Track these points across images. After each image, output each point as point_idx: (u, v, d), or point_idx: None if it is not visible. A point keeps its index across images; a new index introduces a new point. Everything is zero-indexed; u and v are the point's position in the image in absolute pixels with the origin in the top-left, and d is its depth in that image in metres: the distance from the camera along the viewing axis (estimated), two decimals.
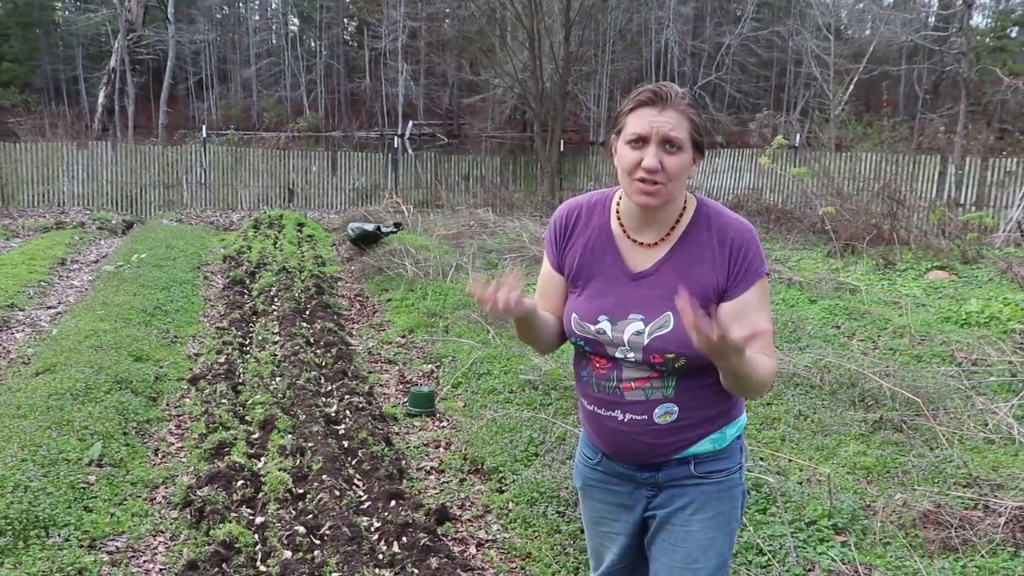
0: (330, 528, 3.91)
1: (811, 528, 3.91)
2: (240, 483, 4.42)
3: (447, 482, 4.79)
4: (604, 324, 2.06)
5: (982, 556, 3.65)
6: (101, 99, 26.96)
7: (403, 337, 7.86)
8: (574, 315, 2.12)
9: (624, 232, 2.11)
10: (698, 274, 2.02)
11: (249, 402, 5.74)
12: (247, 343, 7.35)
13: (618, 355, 2.06)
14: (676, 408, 2.06)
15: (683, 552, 2.11)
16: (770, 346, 2.05)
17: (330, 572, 3.62)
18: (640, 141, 1.96)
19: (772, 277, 9.79)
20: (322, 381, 6.32)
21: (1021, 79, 17.81)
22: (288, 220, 14.89)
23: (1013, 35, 27.21)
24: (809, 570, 3.58)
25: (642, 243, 2.08)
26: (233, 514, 4.10)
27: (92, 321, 7.27)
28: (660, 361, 2.01)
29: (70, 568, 3.54)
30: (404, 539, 3.83)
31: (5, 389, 5.68)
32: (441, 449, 5.27)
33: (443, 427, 5.65)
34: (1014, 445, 4.92)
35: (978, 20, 31.25)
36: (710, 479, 2.11)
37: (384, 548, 3.84)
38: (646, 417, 2.06)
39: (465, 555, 3.94)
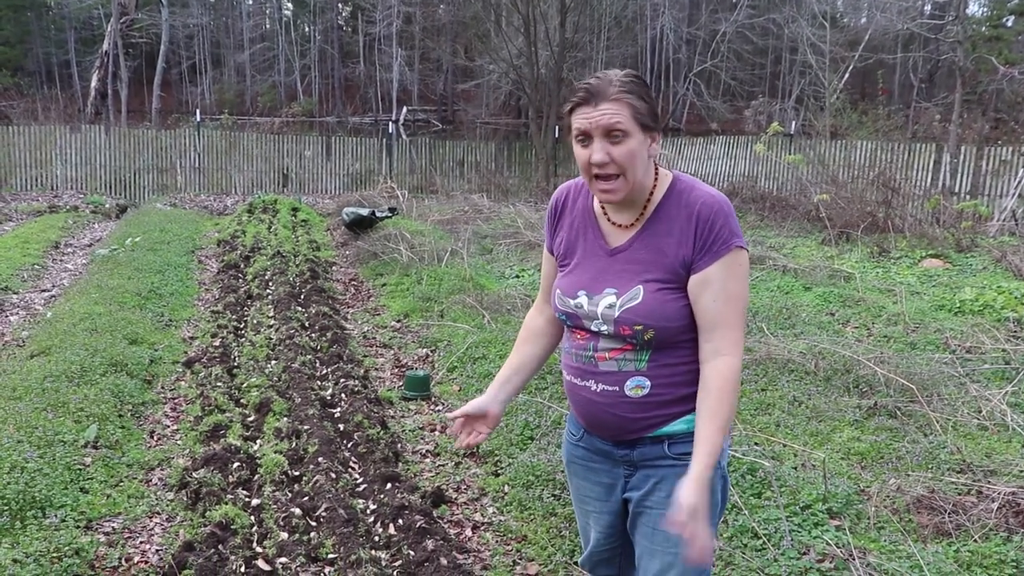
0: (326, 510, 3.92)
1: (806, 512, 3.93)
2: (236, 465, 4.42)
3: (443, 465, 4.79)
4: (582, 298, 2.11)
5: (975, 541, 3.67)
6: (94, 83, 26.83)
7: (398, 321, 7.86)
8: (557, 291, 2.19)
9: (604, 213, 2.16)
10: (666, 248, 2.03)
11: (244, 385, 5.74)
12: (242, 327, 7.34)
13: (593, 328, 2.10)
14: (648, 382, 2.07)
15: (662, 535, 2.11)
16: (734, 331, 2.01)
17: (326, 554, 3.63)
18: (585, 138, 2.01)
19: (767, 264, 9.79)
20: (317, 365, 6.32)
21: (1017, 68, 17.83)
22: (282, 205, 14.85)
23: (1009, 24, 27.17)
24: (804, 554, 3.60)
25: (619, 224, 2.12)
26: (229, 496, 4.10)
27: (86, 304, 7.25)
28: (630, 333, 2.04)
29: (67, 548, 3.54)
30: (400, 521, 3.84)
31: (0, 371, 5.67)
32: (437, 432, 5.28)
33: (439, 411, 5.65)
34: (1007, 432, 4.94)
35: (974, 9, 31.20)
36: (685, 461, 2.07)
37: (380, 530, 3.85)
38: (617, 388, 2.09)
39: (461, 538, 3.95)
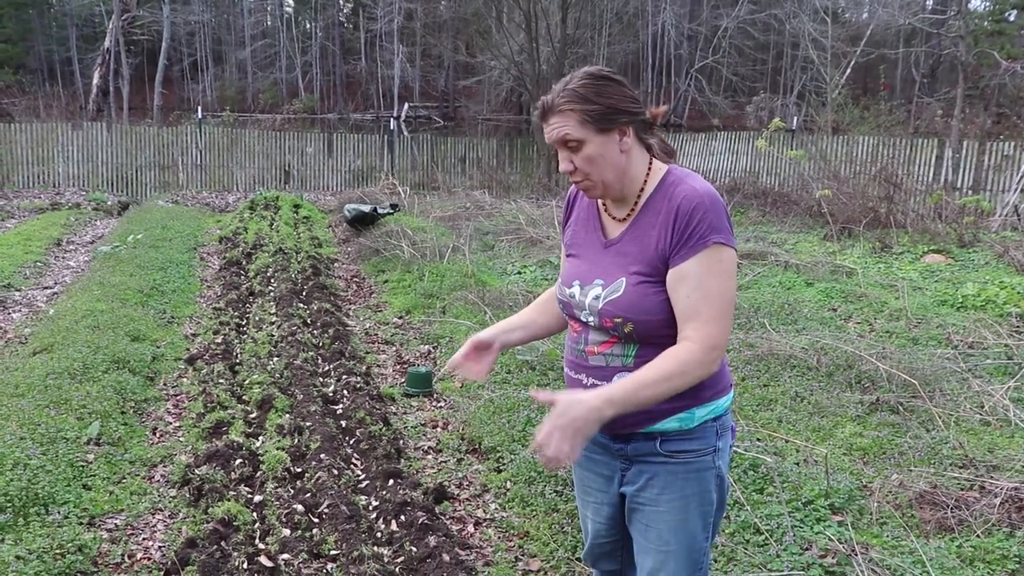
0: (328, 507, 3.92)
1: (808, 508, 3.93)
2: (238, 462, 4.43)
3: (445, 462, 4.80)
4: (575, 288, 2.15)
5: (977, 536, 3.67)
6: (96, 80, 26.83)
7: (400, 318, 7.86)
8: (559, 280, 2.24)
9: (605, 208, 2.19)
10: (649, 241, 2.04)
11: (247, 382, 5.74)
12: (244, 323, 7.34)
13: (583, 319, 2.13)
14: None
15: (655, 532, 2.13)
16: (707, 325, 1.95)
17: (328, 550, 3.63)
18: (554, 147, 2.09)
19: (769, 260, 9.79)
20: (319, 361, 6.32)
21: (1019, 63, 17.78)
22: (284, 201, 14.84)
23: (1011, 19, 27.02)
24: (806, 549, 3.60)
25: (616, 218, 2.15)
26: (231, 492, 4.10)
27: (89, 301, 7.26)
28: (611, 325, 2.06)
29: (70, 545, 3.54)
30: (402, 518, 3.84)
31: (3, 368, 5.68)
32: (439, 429, 5.28)
33: (441, 407, 5.66)
34: (1010, 427, 4.94)
35: (976, 3, 31.03)
36: (676, 459, 2.09)
37: (382, 526, 3.85)
38: (606, 383, 2.08)
39: (463, 534, 3.95)
